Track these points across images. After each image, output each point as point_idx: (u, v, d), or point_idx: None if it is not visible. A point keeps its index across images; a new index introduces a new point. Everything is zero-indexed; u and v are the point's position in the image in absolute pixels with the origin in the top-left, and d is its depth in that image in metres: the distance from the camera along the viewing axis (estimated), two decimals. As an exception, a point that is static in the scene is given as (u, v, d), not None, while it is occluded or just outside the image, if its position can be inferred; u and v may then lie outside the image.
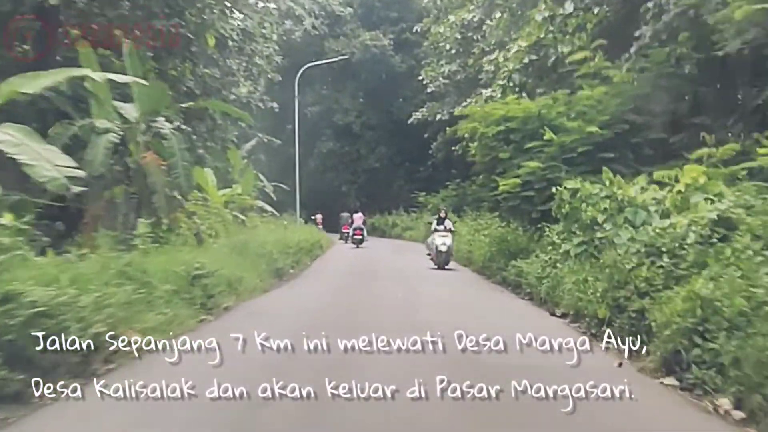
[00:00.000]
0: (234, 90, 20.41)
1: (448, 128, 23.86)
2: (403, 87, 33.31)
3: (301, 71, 27.53)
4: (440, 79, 24.93)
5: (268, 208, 19.86)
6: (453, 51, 23.76)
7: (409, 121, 27.56)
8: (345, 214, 25.45)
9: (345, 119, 34.63)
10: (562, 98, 11.28)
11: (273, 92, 27.03)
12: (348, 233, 23.44)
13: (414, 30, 28.91)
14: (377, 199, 34.63)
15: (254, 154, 27.66)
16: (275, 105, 24.64)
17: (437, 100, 26.38)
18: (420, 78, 26.32)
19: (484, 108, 13.22)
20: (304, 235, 17.75)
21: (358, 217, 22.67)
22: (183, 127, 10.69)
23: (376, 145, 34.97)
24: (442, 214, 14.47)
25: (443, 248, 13.60)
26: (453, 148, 23.72)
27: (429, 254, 14.36)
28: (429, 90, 25.65)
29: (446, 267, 13.63)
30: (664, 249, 5.59)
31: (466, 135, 14.49)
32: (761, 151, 6.99)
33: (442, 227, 13.95)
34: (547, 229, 9.29)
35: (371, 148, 35.04)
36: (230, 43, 18.08)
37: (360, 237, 21.79)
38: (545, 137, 10.40)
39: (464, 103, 22.37)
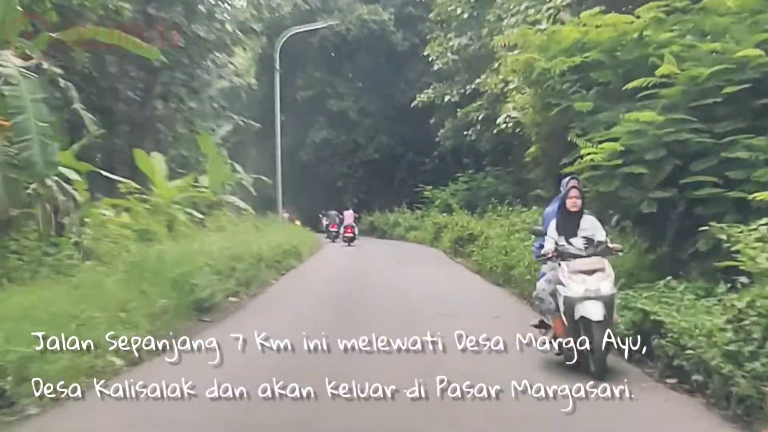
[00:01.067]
0: (204, 62, 19.90)
1: (459, 110, 23.74)
2: (406, 68, 33.69)
3: (283, 38, 27.19)
4: (449, 54, 24.56)
5: (242, 204, 19.14)
6: (465, 15, 23.11)
7: (413, 104, 27.67)
8: (332, 212, 28.13)
9: (340, 105, 35.12)
10: (682, 5, 7.89)
11: (261, 79, 27.41)
12: (334, 232, 26.39)
13: (418, 0, 28.98)
14: (377, 194, 35.07)
15: (233, 142, 27.75)
16: (254, 82, 24.87)
17: (445, 81, 26.41)
18: (425, 54, 26.13)
19: (545, 32, 9.51)
20: (278, 239, 15.51)
21: (349, 215, 25.32)
22: (47, 66, 8.22)
23: (375, 134, 35.50)
24: (575, 204, 5.65)
25: (596, 314, 5.12)
26: (465, 132, 23.65)
27: (541, 328, 5.93)
28: (435, 67, 25.56)
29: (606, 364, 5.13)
30: None
31: (512, 77, 11.67)
32: None
33: (580, 243, 5.58)
34: (737, 240, 5.23)
35: (370, 137, 35.57)
36: (198, 6, 17.81)
37: (351, 235, 24.41)
38: (658, 72, 6.97)
39: (477, 81, 21.65)
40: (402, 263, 15.83)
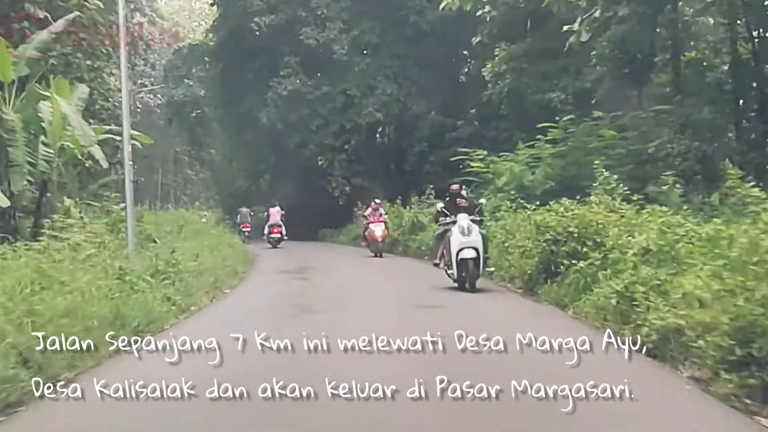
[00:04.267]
0: None
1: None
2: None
3: None
4: None
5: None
6: None
7: (441, 6, 27.50)
8: (244, 209, 36.08)
9: (321, 36, 36.62)
10: None
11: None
12: (247, 232, 34.69)
13: None
14: (380, 179, 37.37)
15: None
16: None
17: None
18: None
19: None
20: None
21: (275, 212, 33.13)
22: None
23: (377, 83, 36.91)
24: None
25: None
26: (567, 28, 22.11)
27: None
28: None
29: None
30: None
31: None
32: None
33: None
34: None
35: (368, 88, 37.07)
36: None
37: (278, 236, 32.56)
38: None
39: None
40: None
